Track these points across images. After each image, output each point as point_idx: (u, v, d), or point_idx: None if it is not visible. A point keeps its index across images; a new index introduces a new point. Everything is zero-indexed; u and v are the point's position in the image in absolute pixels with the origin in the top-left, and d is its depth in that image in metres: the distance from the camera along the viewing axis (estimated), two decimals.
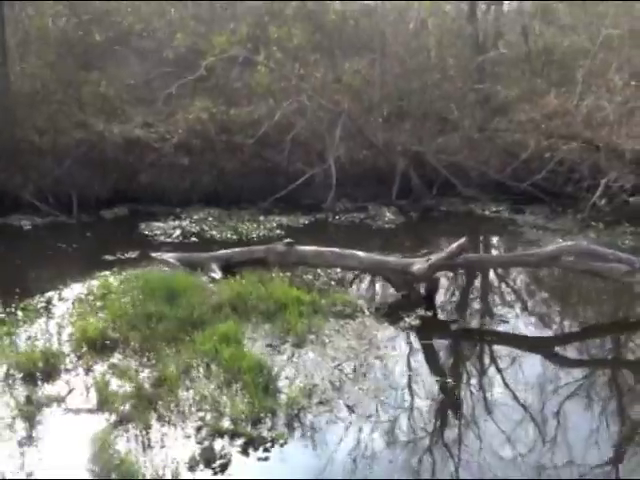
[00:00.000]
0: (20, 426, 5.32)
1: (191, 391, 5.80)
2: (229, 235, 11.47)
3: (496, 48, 17.94)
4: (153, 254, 10.00)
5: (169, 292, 7.98)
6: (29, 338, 6.79)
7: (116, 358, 6.62)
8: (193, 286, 8.22)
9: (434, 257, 8.03)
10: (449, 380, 6.29)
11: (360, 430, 5.37)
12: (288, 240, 9.34)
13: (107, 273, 9.26)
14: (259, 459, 5.01)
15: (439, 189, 14.83)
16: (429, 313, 7.94)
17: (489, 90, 17.15)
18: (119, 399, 5.64)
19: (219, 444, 5.13)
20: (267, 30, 16.46)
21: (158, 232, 11.66)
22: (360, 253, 8.96)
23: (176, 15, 17.50)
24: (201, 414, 5.53)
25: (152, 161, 14.52)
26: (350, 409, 5.68)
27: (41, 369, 6.29)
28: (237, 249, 9.69)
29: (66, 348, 6.64)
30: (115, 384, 5.82)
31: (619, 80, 15.75)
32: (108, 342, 6.92)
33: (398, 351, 6.94)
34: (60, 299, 8.25)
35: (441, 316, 8.05)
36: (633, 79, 15.91)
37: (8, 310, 7.76)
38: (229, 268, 9.45)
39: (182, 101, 15.87)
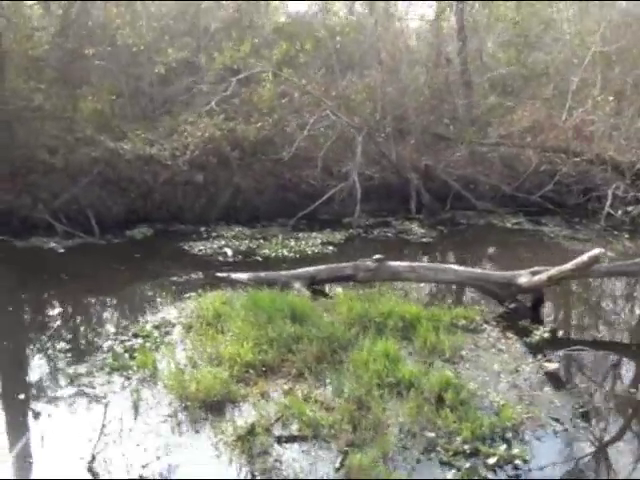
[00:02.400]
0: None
1: (390, 412, 5.64)
2: (285, 252, 11.26)
3: (482, 63, 18.39)
4: (219, 274, 9.69)
5: (291, 312, 7.75)
6: (177, 366, 6.44)
7: (285, 383, 6.34)
8: (311, 305, 8.00)
9: (555, 269, 8.11)
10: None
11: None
12: (378, 256, 9.23)
13: (192, 295, 8.88)
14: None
15: (451, 203, 14.98)
16: (549, 326, 8.01)
17: (477, 105, 17.51)
18: (324, 425, 5.42)
19: (468, 465, 5.03)
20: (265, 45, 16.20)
21: (208, 251, 11.33)
22: (456, 267, 9.05)
23: (170, 29, 16.93)
24: (432, 435, 5.39)
25: (166, 179, 13.97)
26: (556, 421, 5.69)
27: (217, 398, 5.95)
28: (322, 267, 9.53)
29: (226, 374, 6.29)
30: (311, 415, 5.58)
31: (603, 96, 16.46)
32: (264, 367, 6.62)
33: (549, 363, 6.94)
34: (166, 324, 7.87)
35: (558, 327, 8.14)
36: (614, 95, 16.65)
37: (121, 338, 7.36)
38: (312, 286, 9.18)
39: (179, 117, 15.39)
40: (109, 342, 7.48)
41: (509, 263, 10.21)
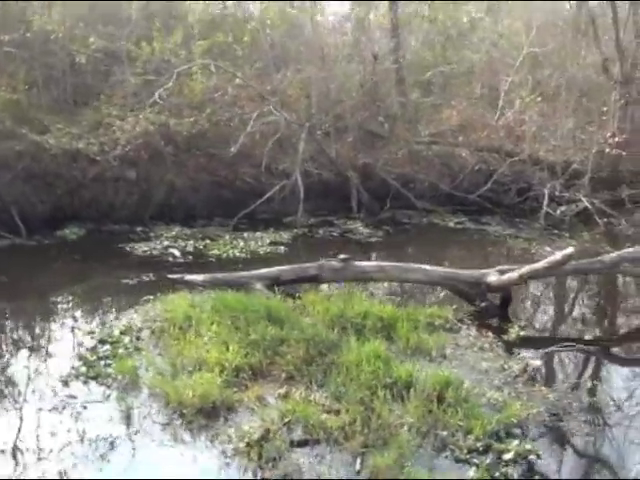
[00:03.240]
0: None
1: (395, 412, 5.85)
2: (237, 253, 11.31)
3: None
4: (171, 276, 9.66)
5: (267, 314, 7.85)
6: (161, 372, 6.43)
7: (278, 387, 6.45)
8: (286, 307, 8.13)
9: (527, 267, 8.55)
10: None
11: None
12: (343, 256, 9.42)
13: (151, 297, 8.86)
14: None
15: (391, 202, 15.40)
16: (520, 323, 8.45)
17: (411, 103, 18.03)
18: (332, 428, 5.63)
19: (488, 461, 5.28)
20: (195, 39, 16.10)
21: (153, 252, 11.25)
22: (426, 266, 9.34)
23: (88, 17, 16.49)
24: (444, 433, 5.63)
25: (95, 175, 13.69)
26: (555, 416, 6.12)
27: (213, 404, 6.01)
28: (285, 267, 9.62)
29: (217, 379, 6.34)
30: (315, 418, 5.71)
31: (532, 97, 17.33)
32: (252, 371, 6.71)
33: (533, 361, 7.34)
34: (133, 329, 7.81)
35: (528, 325, 8.60)
36: (543, 96, 17.59)
37: (87, 345, 7.39)
38: (275, 287, 9.29)
39: (103, 110, 15.10)
40: (76, 350, 7.25)
41: (464, 262, 10.59)
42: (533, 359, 7.33)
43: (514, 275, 8.52)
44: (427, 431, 5.67)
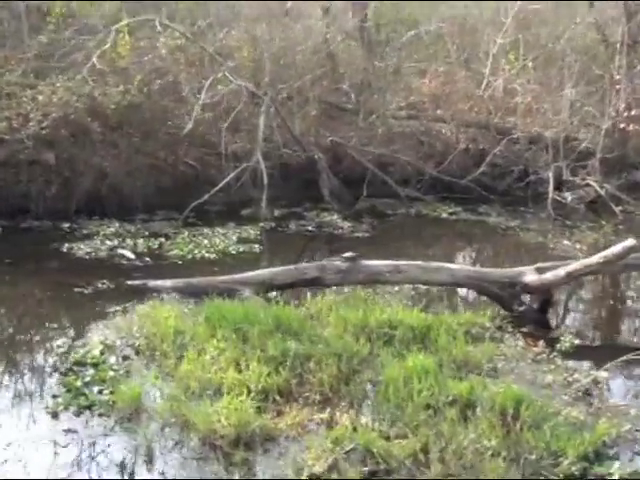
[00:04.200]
0: None
1: (470, 437, 6.23)
2: (204, 253, 11.50)
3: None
4: (130, 282, 9.85)
5: (277, 325, 8.14)
6: (175, 399, 6.63)
7: (317, 411, 6.76)
8: (299, 316, 8.44)
9: (577, 264, 9.06)
10: None
11: None
12: (349, 254, 9.75)
13: (118, 309, 9.06)
14: None
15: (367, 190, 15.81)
16: (570, 330, 8.99)
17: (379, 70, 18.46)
18: (401, 456, 5.97)
19: None
20: None
21: (99, 254, 11.36)
22: (451, 265, 9.79)
23: None
24: (531, 457, 6.05)
25: (3, 159, 13.57)
26: None
27: (250, 434, 6.27)
28: (277, 269, 9.91)
29: (247, 404, 6.60)
30: (378, 444, 6.07)
31: (525, 61, 18.05)
32: (280, 394, 6.99)
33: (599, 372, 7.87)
34: (114, 347, 7.97)
35: (579, 332, 9.15)
36: (538, 61, 18.32)
37: (61, 368, 7.56)
38: (266, 293, 9.60)
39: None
40: (50, 374, 7.34)
41: (477, 261, 11.05)
42: (599, 370, 7.76)
43: (560, 273, 8.99)
44: (513, 456, 5.98)
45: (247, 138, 15.14)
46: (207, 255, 11.46)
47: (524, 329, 9.02)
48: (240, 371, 7.11)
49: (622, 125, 15.74)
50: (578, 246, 12.44)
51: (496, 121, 17.93)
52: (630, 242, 8.54)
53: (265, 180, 14.21)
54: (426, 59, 19.77)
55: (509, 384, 7.04)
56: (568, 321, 9.59)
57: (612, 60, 17.63)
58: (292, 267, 9.97)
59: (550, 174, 15.56)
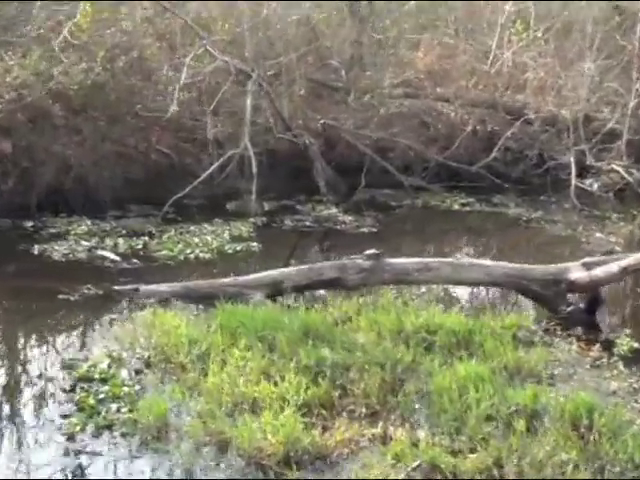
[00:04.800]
0: None
1: (545, 449, 6.51)
2: (198, 252, 11.71)
3: None
4: (118, 287, 10.04)
5: (305, 331, 8.39)
6: (211, 415, 6.87)
7: (370, 426, 7.02)
8: (327, 321, 8.70)
9: (632, 258, 9.40)
10: None
11: None
12: (372, 251, 9.99)
13: (114, 317, 9.26)
14: None
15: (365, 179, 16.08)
16: (624, 332, 9.34)
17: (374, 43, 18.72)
18: (475, 474, 6.26)
19: None
20: None
21: (78, 255, 11.52)
22: (487, 262, 10.08)
23: None
24: (615, 469, 6.37)
25: None
26: None
27: (301, 452, 6.50)
28: (290, 270, 10.16)
29: (291, 420, 6.82)
30: (445, 460, 6.32)
31: (539, 31, 18.43)
32: (322, 407, 7.23)
33: None
34: (123, 361, 8.16)
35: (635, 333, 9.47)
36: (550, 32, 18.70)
37: (65, 385, 7.78)
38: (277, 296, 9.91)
39: None
40: (56, 391, 7.49)
41: (504, 258, 11.36)
42: None
43: (612, 269, 9.32)
44: (594, 468, 6.27)
45: (230, 122, 15.20)
46: (201, 255, 11.60)
47: (573, 332, 9.17)
48: (275, 383, 7.22)
49: None
50: (613, 239, 12.82)
51: (505, 100, 18.13)
52: None
53: (254, 169, 14.33)
54: (421, 30, 19.82)
55: (577, 391, 7.24)
56: (619, 321, 9.77)
57: (634, 29, 17.89)
58: (306, 267, 10.17)
59: (571, 159, 15.96)
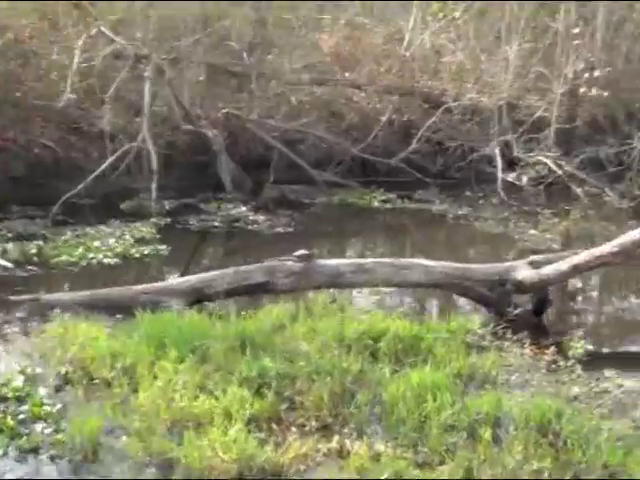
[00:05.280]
0: None
1: (516, 459, 6.83)
2: (101, 258, 11.79)
3: None
4: (15, 297, 10.11)
5: (242, 341, 8.63)
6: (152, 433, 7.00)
7: (326, 441, 7.28)
8: (266, 329, 8.95)
9: (583, 255, 9.83)
10: None
11: None
12: (302, 252, 10.23)
13: (16, 330, 9.39)
14: None
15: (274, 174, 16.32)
16: (575, 334, 9.81)
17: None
18: None
19: None
20: None
21: None
22: (427, 262, 10.37)
23: None
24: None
25: None
26: None
27: (256, 471, 6.74)
28: (211, 274, 10.34)
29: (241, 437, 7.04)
30: (411, 474, 6.61)
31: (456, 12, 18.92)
32: (270, 421, 7.48)
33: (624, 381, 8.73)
34: (36, 378, 8.24)
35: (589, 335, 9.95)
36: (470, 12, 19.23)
37: None
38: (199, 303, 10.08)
39: None
40: None
41: (437, 259, 11.75)
42: (626, 379, 8.58)
43: (562, 267, 9.74)
44: (573, 476, 6.64)
45: (125, 112, 15.19)
46: (106, 260, 11.61)
47: (522, 335, 9.55)
48: (216, 397, 7.37)
49: (582, 89, 16.50)
50: (548, 236, 13.28)
51: (422, 87, 18.47)
52: None
53: (154, 165, 14.40)
54: (327, 9, 20.08)
55: (538, 397, 7.62)
56: (569, 323, 10.18)
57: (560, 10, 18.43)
58: (231, 270, 10.23)
59: (496, 151, 16.33)
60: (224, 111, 16.40)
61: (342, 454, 7.02)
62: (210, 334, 8.51)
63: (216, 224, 13.65)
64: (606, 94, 16.61)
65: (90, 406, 7.53)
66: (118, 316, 9.64)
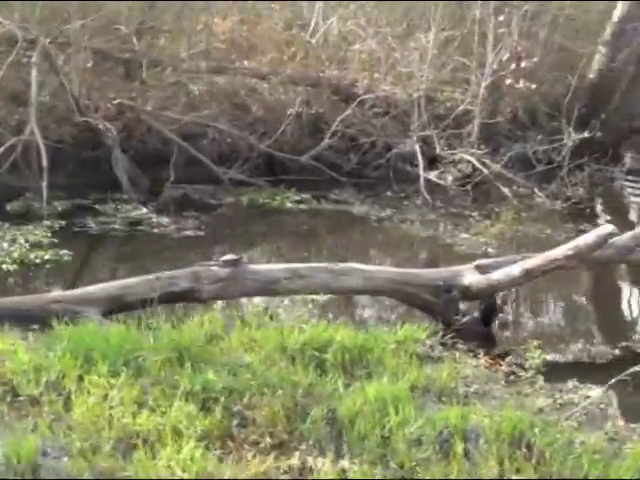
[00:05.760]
0: None
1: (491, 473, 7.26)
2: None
3: None
4: None
5: (177, 352, 8.90)
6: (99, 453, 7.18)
7: (285, 459, 7.59)
8: (197, 339, 9.22)
9: (538, 259, 10.29)
10: None
11: None
12: (229, 256, 10.49)
13: None
14: None
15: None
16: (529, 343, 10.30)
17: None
18: None
19: None
20: None
21: None
22: (366, 267, 10.78)
23: None
24: None
25: None
26: None
27: None
28: (130, 281, 10.51)
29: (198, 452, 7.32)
30: None
31: None
32: (222, 438, 7.78)
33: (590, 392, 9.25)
34: None
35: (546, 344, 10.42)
36: None
37: None
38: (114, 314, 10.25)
39: None
40: None
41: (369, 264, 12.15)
42: (590, 389, 9.07)
43: (513, 272, 10.15)
44: None
45: (6, 103, 15.17)
46: (4, 266, 11.66)
47: (472, 345, 9.97)
48: (162, 413, 7.56)
49: (508, 81, 17.07)
50: (482, 239, 13.74)
51: (331, 77, 18.75)
52: (606, 228, 9.80)
53: (44, 161, 14.45)
54: None
55: (502, 410, 8.02)
56: (518, 332, 10.62)
57: None
58: (151, 277, 10.44)
59: (417, 147, 16.69)
60: (116, 102, 16.00)
61: (304, 472, 7.25)
62: (142, 346, 8.53)
63: (116, 227, 13.75)
64: (534, 86, 16.80)
65: (21, 425, 7.49)
66: (34, 327, 9.71)
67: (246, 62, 19.19)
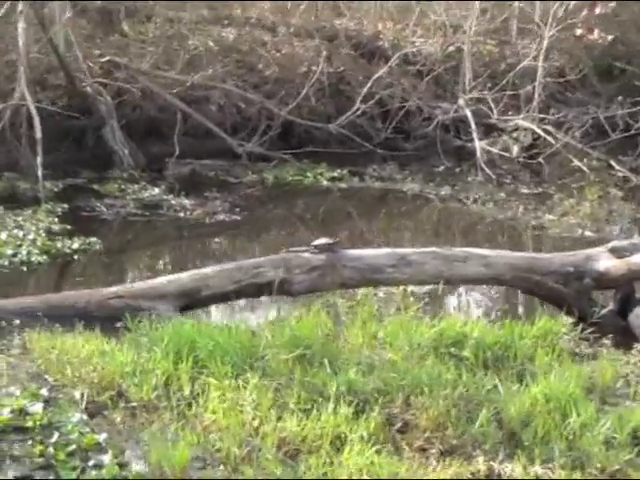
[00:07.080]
0: None
1: None
2: (25, 255, 12.39)
3: None
4: None
5: (300, 352, 9.60)
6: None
7: (465, 462, 8.33)
8: (314, 335, 9.90)
9: None
10: None
11: None
12: (323, 240, 10.92)
13: None
14: None
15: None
16: None
17: None
18: None
19: None
20: None
21: None
22: (485, 251, 11.24)
23: None
24: None
25: None
26: None
27: None
28: (206, 271, 10.95)
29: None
30: None
31: None
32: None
33: None
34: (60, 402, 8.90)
35: None
36: None
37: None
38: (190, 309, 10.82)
39: None
40: None
41: None
42: None
43: None
44: None
45: None
46: (34, 258, 12.20)
47: (614, 340, 10.71)
48: (319, 418, 8.24)
49: (579, 32, 17.54)
50: (573, 220, 14.42)
51: (348, 27, 19.34)
52: None
53: (38, 132, 15.04)
54: None
55: None
56: None
57: None
58: (232, 266, 10.90)
59: (468, 112, 17.48)
60: (105, 59, 16.47)
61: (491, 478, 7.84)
62: (258, 345, 9.24)
63: (131, 210, 14.21)
64: (611, 38, 17.31)
65: (150, 433, 8.08)
66: (117, 325, 10.08)
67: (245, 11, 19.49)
